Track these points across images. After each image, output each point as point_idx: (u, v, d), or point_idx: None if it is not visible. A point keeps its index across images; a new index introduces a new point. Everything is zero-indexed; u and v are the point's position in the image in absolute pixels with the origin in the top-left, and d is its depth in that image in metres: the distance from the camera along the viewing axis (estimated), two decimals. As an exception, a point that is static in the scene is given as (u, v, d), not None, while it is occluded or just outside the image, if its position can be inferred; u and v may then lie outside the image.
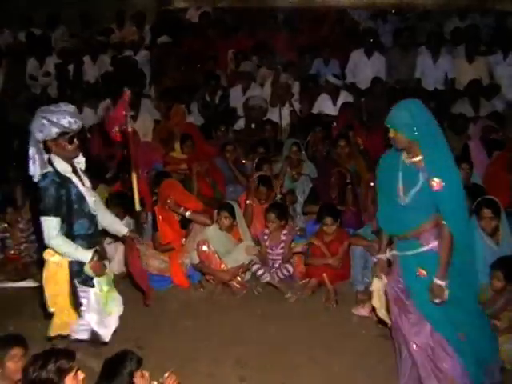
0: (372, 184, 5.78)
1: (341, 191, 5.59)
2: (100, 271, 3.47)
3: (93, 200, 3.48)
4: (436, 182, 3.05)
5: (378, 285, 3.61)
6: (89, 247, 3.42)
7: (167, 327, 4.40)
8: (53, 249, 3.38)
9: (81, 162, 3.49)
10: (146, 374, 2.91)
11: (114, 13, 10.20)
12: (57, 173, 3.30)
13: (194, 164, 6.07)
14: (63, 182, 3.30)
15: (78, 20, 10.18)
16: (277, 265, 5.08)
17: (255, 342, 4.19)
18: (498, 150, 5.91)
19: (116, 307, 3.66)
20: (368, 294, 4.73)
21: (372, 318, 4.43)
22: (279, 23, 9.35)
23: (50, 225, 3.27)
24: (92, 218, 3.47)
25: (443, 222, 3.11)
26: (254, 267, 4.99)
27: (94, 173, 6.20)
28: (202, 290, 5.02)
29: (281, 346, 4.17)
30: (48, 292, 3.48)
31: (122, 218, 5.48)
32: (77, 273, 3.43)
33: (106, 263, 3.66)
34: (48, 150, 3.34)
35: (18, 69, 9.03)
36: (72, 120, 3.26)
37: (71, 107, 3.37)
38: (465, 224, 3.23)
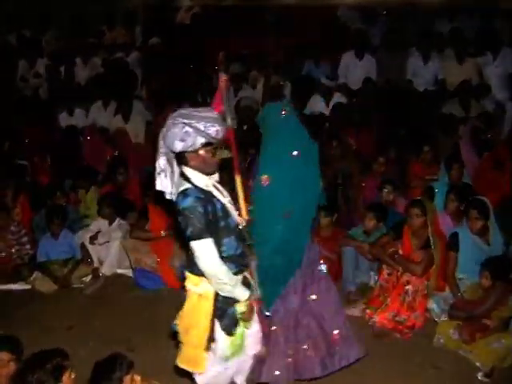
0: (363, 184, 5.88)
1: (332, 192, 5.61)
2: (250, 318, 2.94)
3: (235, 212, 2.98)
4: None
5: None
6: (238, 271, 2.88)
7: (159, 329, 4.39)
8: (204, 276, 2.81)
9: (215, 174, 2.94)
10: (138, 377, 2.85)
11: (106, 14, 10.21)
12: (197, 188, 2.78)
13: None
14: (207, 197, 2.78)
15: (69, 22, 10.16)
16: None
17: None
18: (488, 150, 5.96)
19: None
20: (359, 295, 4.81)
21: (364, 318, 4.47)
22: (270, 24, 9.36)
23: (210, 248, 2.73)
24: (239, 235, 2.92)
25: None
26: None
27: (87, 175, 6.31)
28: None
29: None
30: (182, 324, 2.95)
31: (113, 220, 5.53)
32: (221, 314, 2.88)
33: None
34: (181, 162, 2.85)
35: (8, 71, 9.01)
36: (220, 129, 2.75)
37: (215, 113, 2.86)
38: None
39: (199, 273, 2.81)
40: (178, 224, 2.79)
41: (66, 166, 6.64)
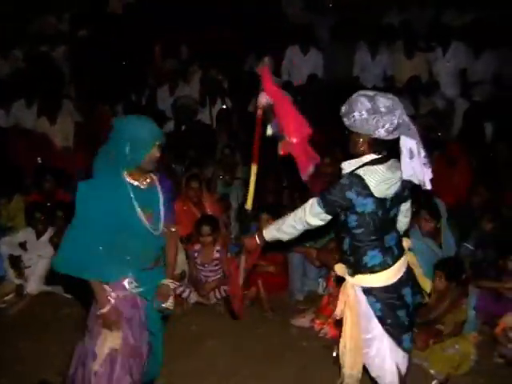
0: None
1: (277, 195, 5.65)
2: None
3: None
4: None
5: None
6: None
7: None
8: None
9: None
10: None
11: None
12: None
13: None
14: None
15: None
16: (210, 280, 5.06)
17: (187, 358, 4.18)
18: (439, 149, 6.13)
19: None
20: (308, 304, 4.86)
21: (313, 327, 4.53)
22: (211, 15, 9.33)
23: None
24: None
25: None
26: (178, 290, 4.80)
27: (11, 180, 6.10)
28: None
29: (218, 359, 4.19)
30: None
31: (44, 231, 5.36)
32: None
33: None
34: None
35: None
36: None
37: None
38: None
39: None
40: None
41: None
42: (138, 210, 2.99)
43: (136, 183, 3.03)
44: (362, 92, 2.93)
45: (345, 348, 3.11)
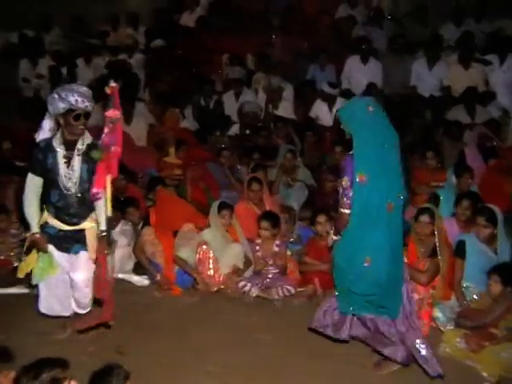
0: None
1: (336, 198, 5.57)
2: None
3: (73, 180, 3.68)
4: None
5: None
6: (56, 217, 3.73)
7: (153, 335, 4.31)
8: None
9: (86, 142, 3.71)
10: None
11: (110, 14, 10.19)
12: (48, 140, 3.68)
13: (187, 169, 6.05)
14: (46, 148, 3.64)
15: (72, 21, 10.13)
16: (270, 275, 5.03)
17: (244, 352, 4.09)
18: (494, 157, 5.94)
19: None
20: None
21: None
22: (275, 26, 9.36)
23: (29, 180, 3.69)
24: (64, 195, 3.69)
25: None
26: (241, 284, 4.87)
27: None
28: (195, 298, 4.90)
29: (271, 353, 4.09)
30: None
31: (117, 223, 5.44)
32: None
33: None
34: (58, 125, 3.67)
35: (10, 71, 8.97)
36: (79, 99, 3.50)
37: (84, 88, 3.66)
38: None
39: None
40: None
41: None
42: None
43: None
44: None
45: None
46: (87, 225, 3.83)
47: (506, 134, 6.90)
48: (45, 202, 3.73)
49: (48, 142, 3.68)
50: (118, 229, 5.48)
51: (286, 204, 5.82)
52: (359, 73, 7.98)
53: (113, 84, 3.68)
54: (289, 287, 4.87)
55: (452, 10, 8.78)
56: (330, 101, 7.44)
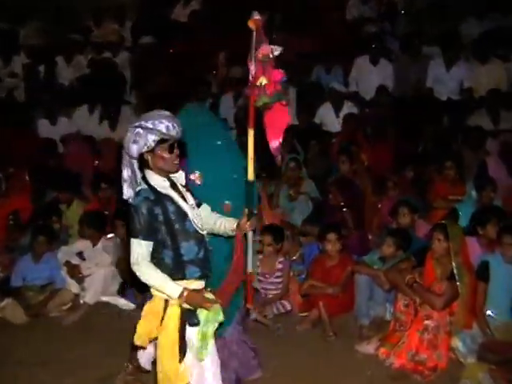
0: (379, 206, 5.84)
1: (339, 213, 5.58)
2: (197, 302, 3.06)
3: (199, 217, 3.18)
4: None
5: None
6: (202, 275, 3.11)
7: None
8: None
9: (180, 176, 3.20)
10: None
11: (93, 7, 10.14)
12: (151, 189, 3.05)
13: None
14: (159, 199, 3.04)
15: (52, 15, 10.03)
16: (270, 295, 5.03)
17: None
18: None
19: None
20: (374, 329, 4.73)
21: (378, 356, 4.39)
22: (276, 23, 9.37)
23: (140, 248, 3.00)
24: (200, 240, 3.14)
25: None
26: None
27: (69, 186, 6.27)
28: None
29: (278, 381, 4.10)
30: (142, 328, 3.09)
31: (96, 241, 5.46)
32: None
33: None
34: (143, 166, 3.10)
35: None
36: (170, 124, 3.02)
37: (166, 112, 3.16)
38: None
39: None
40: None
41: (46, 177, 6.59)
42: None
43: None
44: None
45: None
46: None
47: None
48: (175, 268, 3.07)
49: (154, 191, 3.06)
50: (99, 245, 5.48)
51: (288, 219, 5.80)
52: (369, 75, 7.98)
53: (257, 16, 3.32)
54: (285, 303, 4.91)
55: (473, 3, 8.74)
56: (338, 103, 7.45)
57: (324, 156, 6.80)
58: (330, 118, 7.45)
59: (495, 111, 6.94)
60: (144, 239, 2.98)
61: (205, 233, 3.16)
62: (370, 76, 8.00)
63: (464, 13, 8.78)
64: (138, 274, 3.02)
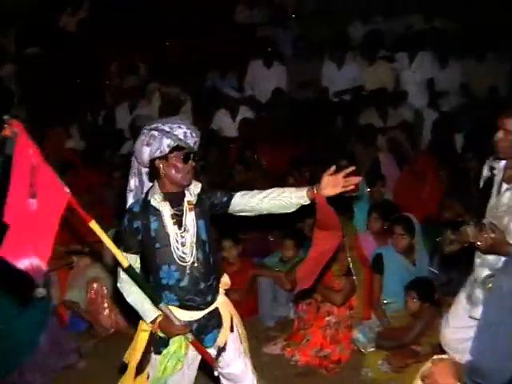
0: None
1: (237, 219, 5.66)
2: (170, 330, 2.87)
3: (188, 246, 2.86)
4: None
5: None
6: (182, 305, 2.89)
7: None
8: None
9: (195, 188, 2.92)
10: None
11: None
12: (144, 199, 2.86)
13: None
14: (144, 211, 2.82)
15: None
16: None
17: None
18: (406, 163, 6.22)
19: None
20: (279, 330, 4.86)
21: (285, 355, 4.53)
22: (169, 30, 9.35)
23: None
24: (184, 268, 2.86)
25: None
26: None
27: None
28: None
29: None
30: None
31: None
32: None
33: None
34: (153, 175, 2.86)
35: None
36: (188, 131, 2.78)
37: (187, 120, 3.00)
38: None
39: None
40: None
41: None
42: None
43: None
44: None
45: None
46: (220, 298, 3.13)
47: (419, 136, 7.28)
48: (156, 289, 2.87)
49: (144, 203, 2.85)
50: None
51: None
52: (263, 78, 8.15)
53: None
54: None
55: (360, 7, 9.15)
56: (234, 109, 7.57)
57: (223, 162, 6.89)
58: (226, 124, 7.55)
59: (383, 109, 7.25)
60: (125, 251, 2.77)
61: (193, 261, 2.85)
62: (265, 79, 8.15)
63: (350, 16, 9.16)
64: (121, 291, 2.87)
